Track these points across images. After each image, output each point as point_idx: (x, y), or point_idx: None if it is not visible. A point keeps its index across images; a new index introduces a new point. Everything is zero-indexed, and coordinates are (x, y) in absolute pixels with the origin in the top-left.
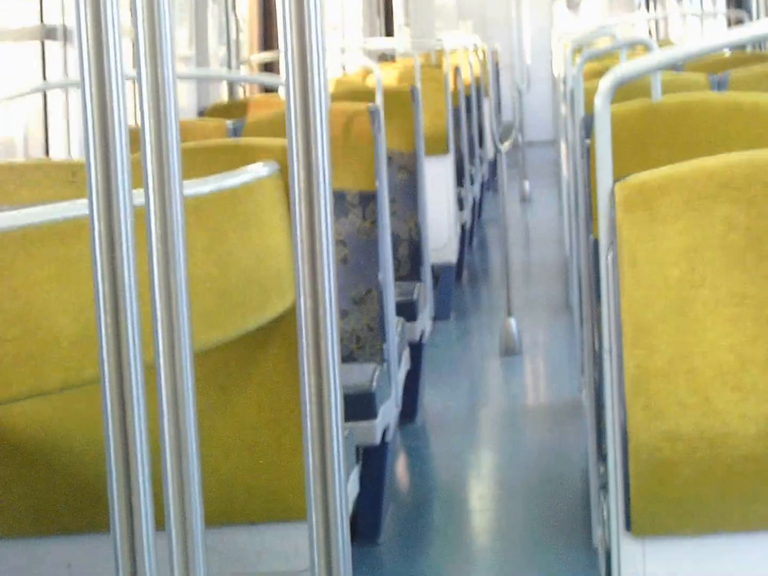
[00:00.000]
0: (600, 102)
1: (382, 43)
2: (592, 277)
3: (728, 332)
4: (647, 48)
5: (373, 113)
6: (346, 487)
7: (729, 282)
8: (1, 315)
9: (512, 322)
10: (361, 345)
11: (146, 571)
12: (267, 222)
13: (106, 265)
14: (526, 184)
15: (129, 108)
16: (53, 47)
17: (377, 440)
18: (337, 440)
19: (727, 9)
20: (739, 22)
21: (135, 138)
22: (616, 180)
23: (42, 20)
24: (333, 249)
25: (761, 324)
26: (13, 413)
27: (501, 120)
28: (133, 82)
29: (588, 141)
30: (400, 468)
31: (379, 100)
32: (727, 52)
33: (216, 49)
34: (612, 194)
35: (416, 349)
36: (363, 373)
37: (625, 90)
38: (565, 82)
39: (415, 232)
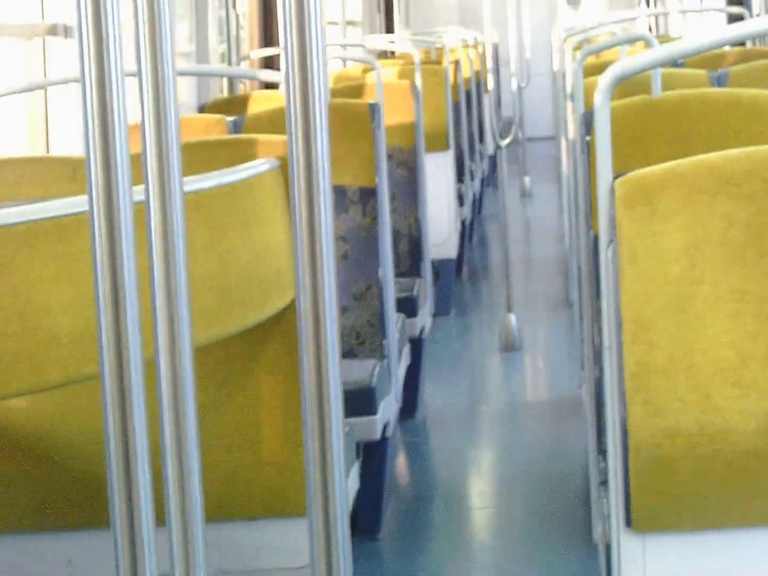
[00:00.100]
0: (600, 98)
1: (382, 39)
2: (592, 274)
3: (728, 328)
4: (647, 44)
5: (373, 109)
6: (347, 483)
7: (729, 278)
8: (2, 311)
9: (512, 318)
10: (362, 341)
11: (146, 566)
12: (267, 218)
13: (106, 261)
14: (527, 180)
15: (129, 104)
16: (54, 43)
17: (377, 436)
18: (338, 436)
19: (726, 5)
20: (739, 18)
21: (135, 134)
22: (616, 176)
23: (43, 17)
24: (333, 245)
25: (761, 320)
26: (14, 409)
27: (501, 116)
28: (134, 78)
29: (588, 137)
30: (400, 464)
31: (379, 96)
32: (727, 49)
33: (216, 46)
34: (612, 190)
35: (416, 345)
36: (363, 369)
37: (625, 86)
38: (565, 78)
39: (415, 228)
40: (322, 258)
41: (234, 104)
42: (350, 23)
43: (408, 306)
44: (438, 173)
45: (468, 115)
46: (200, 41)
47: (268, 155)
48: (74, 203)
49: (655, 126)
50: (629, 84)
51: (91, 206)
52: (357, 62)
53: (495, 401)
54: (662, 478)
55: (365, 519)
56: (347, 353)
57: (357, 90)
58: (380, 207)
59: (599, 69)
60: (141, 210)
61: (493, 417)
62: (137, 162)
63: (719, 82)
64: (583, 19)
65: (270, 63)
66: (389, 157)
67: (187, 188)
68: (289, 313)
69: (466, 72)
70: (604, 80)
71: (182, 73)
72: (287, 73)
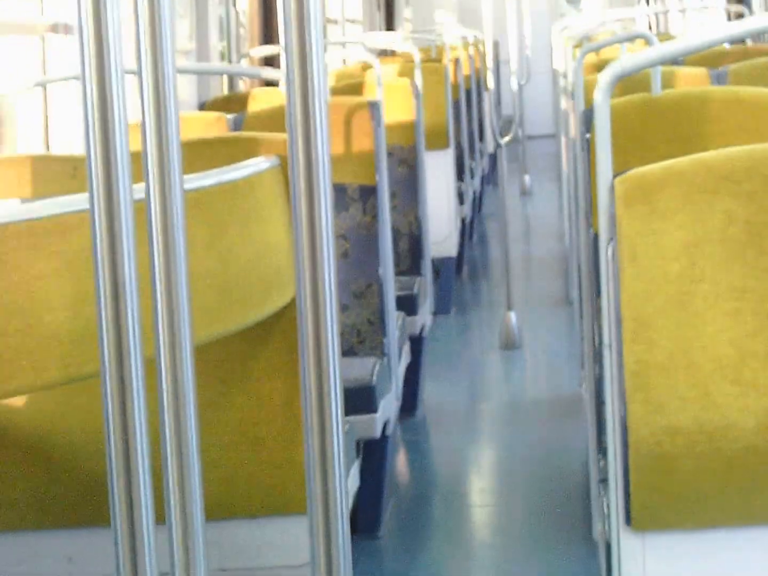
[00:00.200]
0: (600, 96)
1: (382, 38)
2: (592, 272)
3: (728, 326)
4: (647, 42)
5: (373, 107)
6: (347, 481)
7: (729, 276)
8: (2, 308)
9: (512, 316)
10: (362, 339)
11: (146, 564)
12: (267, 216)
13: (106, 259)
14: (527, 178)
15: (129, 102)
16: (54, 40)
17: (377, 434)
18: (338, 434)
19: (726, 3)
20: (739, 16)
21: (135, 132)
22: (616, 174)
23: (42, 13)
24: (333, 243)
25: (761, 318)
26: (14, 408)
27: (501, 114)
28: (134, 75)
29: (588, 135)
30: (400, 462)
31: (379, 94)
32: (726, 47)
33: (216, 43)
34: (612, 188)
35: (417, 343)
36: (363, 367)
37: (625, 84)
38: (565, 76)
39: (416, 226)
40: (323, 256)
41: (234, 102)
42: (350, 21)
43: (408, 304)
44: (438, 171)
45: (468, 113)
46: (200, 39)
47: (268, 153)
48: (75, 201)
49: (655, 124)
50: (629, 82)
51: (92, 204)
52: (357, 60)
53: (495, 399)
54: (662, 475)
55: (365, 517)
56: (347, 351)
57: (357, 88)
58: (380, 205)
59: (599, 67)
60: (141, 208)
61: (493, 415)
62: (137, 160)
63: (719, 80)
64: (583, 17)
65: (270, 61)
66: (389, 155)
67: (187, 186)
68: (289, 311)
69: (466, 70)
70: (604, 78)
71: (182, 71)
72: (287, 71)
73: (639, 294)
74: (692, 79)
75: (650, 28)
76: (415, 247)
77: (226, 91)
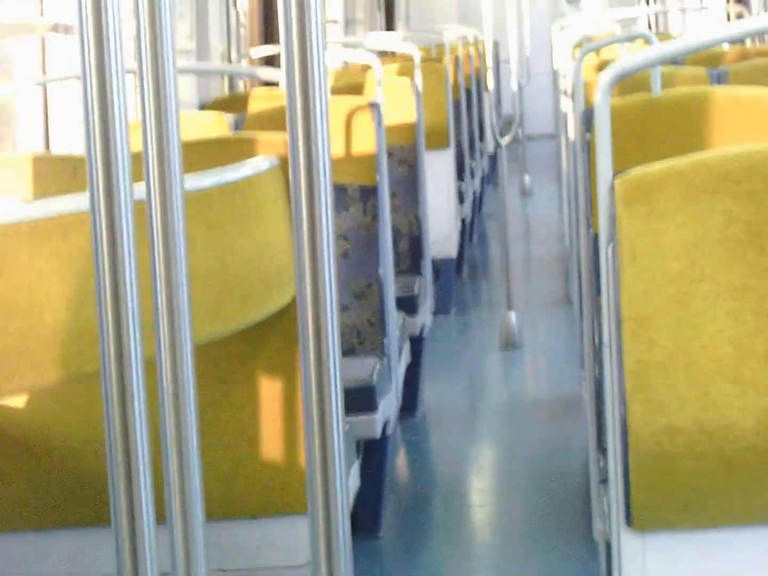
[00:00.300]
0: (600, 96)
1: (383, 38)
2: (592, 272)
3: (728, 326)
4: (647, 42)
5: (373, 107)
6: (347, 481)
7: (729, 276)
8: (3, 308)
9: (512, 315)
10: (362, 339)
11: (147, 564)
12: (268, 216)
13: (107, 259)
14: (527, 178)
15: (129, 102)
16: (54, 40)
17: (378, 434)
18: (338, 434)
19: (726, 3)
20: (739, 16)
21: (136, 132)
22: (616, 174)
23: (42, 14)
24: (333, 243)
25: (761, 317)
26: (14, 408)
27: (501, 114)
28: (134, 75)
29: (588, 135)
30: (400, 462)
31: (379, 94)
32: (726, 47)
33: (217, 43)
34: (612, 188)
35: (417, 343)
36: (363, 367)
37: (625, 84)
38: (565, 76)
39: (416, 226)
40: (323, 256)
41: (235, 102)
42: (350, 21)
43: (408, 304)
44: (438, 171)
45: (468, 113)
46: (201, 39)
47: (268, 153)
48: (75, 201)
49: (655, 124)
50: (629, 82)
51: (92, 204)
52: (357, 60)
53: (495, 399)
54: (662, 475)
55: (365, 517)
56: (347, 351)
57: (357, 88)
58: (380, 205)
59: (599, 67)
60: (141, 208)
61: (493, 415)
62: (138, 160)
63: (719, 79)
64: (583, 17)
65: (270, 61)
66: (389, 155)
67: (187, 186)
68: (289, 311)
69: (466, 70)
70: (604, 78)
71: (183, 71)
72: (288, 71)
73: (639, 294)
74: (692, 79)
75: (650, 28)
76: (415, 247)
77: (226, 91)
